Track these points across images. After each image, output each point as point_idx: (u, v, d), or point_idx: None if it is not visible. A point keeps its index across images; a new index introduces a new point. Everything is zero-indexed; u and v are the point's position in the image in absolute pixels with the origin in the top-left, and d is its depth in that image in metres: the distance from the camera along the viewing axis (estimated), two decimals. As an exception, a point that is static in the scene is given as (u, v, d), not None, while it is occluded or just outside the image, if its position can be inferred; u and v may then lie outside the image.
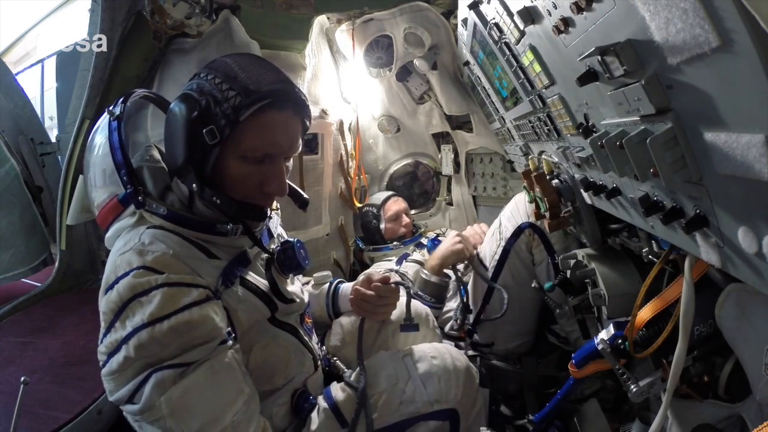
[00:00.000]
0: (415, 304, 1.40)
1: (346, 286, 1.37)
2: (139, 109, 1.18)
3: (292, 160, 1.00)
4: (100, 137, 0.97)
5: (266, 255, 1.05)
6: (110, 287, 0.78)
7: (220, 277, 0.89)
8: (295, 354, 1.04)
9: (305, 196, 1.14)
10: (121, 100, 1.00)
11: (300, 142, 0.97)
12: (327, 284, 1.40)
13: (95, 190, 0.96)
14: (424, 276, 1.77)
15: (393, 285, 1.25)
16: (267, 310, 0.99)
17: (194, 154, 0.87)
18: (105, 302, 0.78)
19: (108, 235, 0.94)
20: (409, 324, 1.25)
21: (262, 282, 1.00)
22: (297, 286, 1.14)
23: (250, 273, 0.99)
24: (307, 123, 0.98)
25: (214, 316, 0.80)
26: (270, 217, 1.13)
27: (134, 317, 0.75)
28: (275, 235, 1.16)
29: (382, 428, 1.02)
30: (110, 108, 0.98)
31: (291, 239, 1.10)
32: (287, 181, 1.01)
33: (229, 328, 0.86)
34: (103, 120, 1.00)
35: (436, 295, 1.77)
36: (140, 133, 1.58)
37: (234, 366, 0.81)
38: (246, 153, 0.89)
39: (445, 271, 1.79)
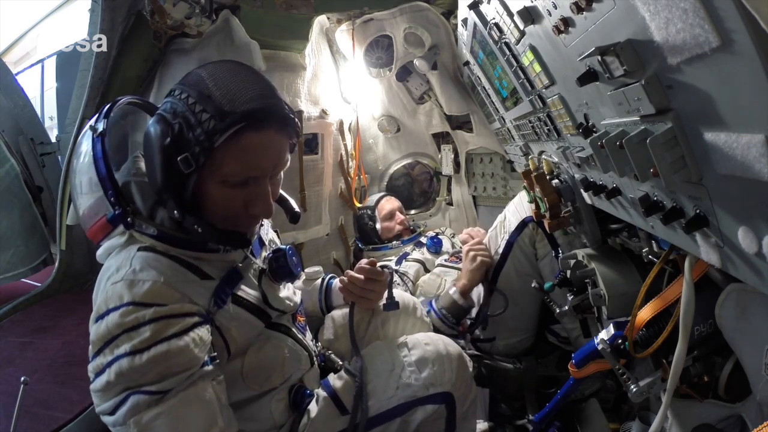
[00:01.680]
0: (402, 293, 1.42)
1: (338, 281, 1.39)
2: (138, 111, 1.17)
3: (287, 165, 0.98)
4: (86, 144, 0.95)
5: (258, 266, 1.05)
6: (101, 317, 0.79)
7: (212, 298, 0.89)
8: (290, 353, 1.06)
9: (297, 209, 1.13)
10: (104, 113, 0.96)
11: (288, 157, 0.93)
12: (319, 280, 1.43)
13: (81, 197, 0.94)
14: (453, 296, 1.68)
15: (378, 268, 1.28)
16: (260, 322, 1.00)
17: (172, 181, 0.83)
18: (95, 332, 0.79)
19: (99, 252, 0.94)
20: (391, 302, 1.28)
21: (254, 295, 1.00)
22: (289, 289, 1.15)
23: (243, 287, 0.98)
24: (295, 139, 0.93)
25: (194, 348, 0.81)
26: (261, 224, 1.13)
27: (119, 348, 0.77)
28: (267, 242, 1.15)
29: (381, 413, 1.04)
30: (92, 123, 0.95)
31: (283, 246, 1.10)
32: (280, 191, 1.00)
33: (215, 353, 0.87)
34: (88, 128, 0.98)
35: (458, 316, 1.69)
36: (140, 134, 1.58)
37: (211, 399, 0.81)
38: (226, 178, 0.85)
39: None
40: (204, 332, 0.85)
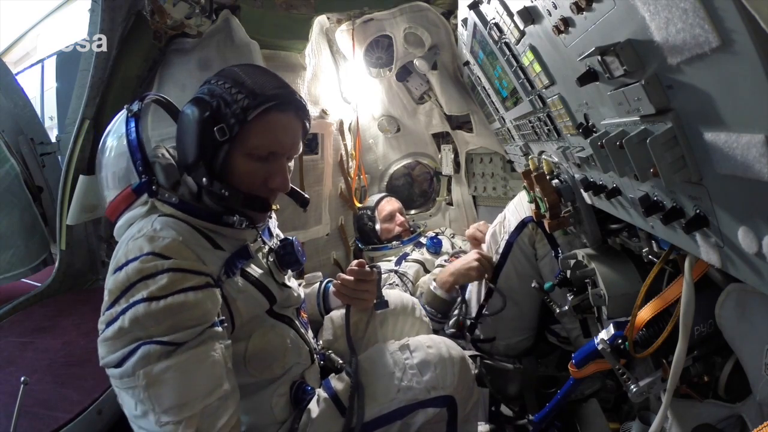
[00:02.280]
0: (401, 293, 1.44)
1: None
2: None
3: (300, 150, 1.06)
4: (111, 140, 1.03)
5: (267, 248, 1.12)
6: (119, 268, 0.82)
7: (223, 266, 0.95)
8: (292, 344, 1.08)
9: (306, 195, 1.19)
10: (138, 99, 1.06)
11: (301, 143, 1.05)
12: (317, 283, 1.47)
13: (107, 191, 1.02)
14: (432, 289, 1.74)
15: (368, 268, 1.31)
16: (266, 301, 1.04)
17: (205, 150, 0.95)
18: (113, 281, 0.82)
19: (119, 224, 0.98)
20: (380, 301, 1.31)
21: (262, 274, 1.05)
22: (293, 283, 1.19)
23: (252, 266, 1.04)
24: (308, 125, 1.06)
25: (208, 303, 0.85)
26: (270, 216, 1.20)
27: (136, 295, 0.79)
28: (274, 235, 1.23)
29: (382, 416, 1.05)
30: (129, 106, 1.05)
31: (289, 237, 1.18)
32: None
33: (223, 317, 0.90)
34: (116, 123, 1.05)
35: (442, 310, 1.74)
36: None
37: (219, 361, 0.83)
38: (252, 150, 0.97)
39: None
40: (217, 292, 0.89)
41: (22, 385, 1.00)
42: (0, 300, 1.82)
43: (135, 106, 1.04)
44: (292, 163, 1.07)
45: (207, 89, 0.99)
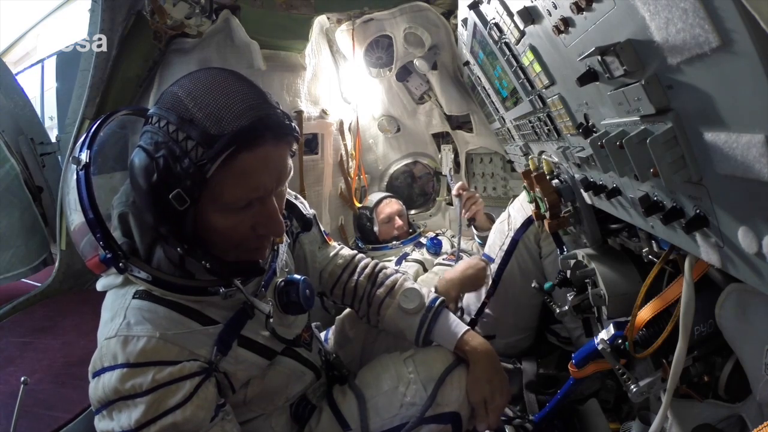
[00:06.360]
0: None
1: (450, 323, 1.14)
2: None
3: (290, 174, 0.89)
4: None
5: (270, 303, 0.98)
6: (97, 374, 0.78)
7: (215, 345, 0.84)
8: (294, 375, 1.04)
9: (308, 215, 1.09)
10: (87, 142, 0.84)
11: (290, 165, 0.84)
12: (418, 315, 1.15)
13: (72, 213, 0.86)
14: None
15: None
16: (265, 361, 0.95)
17: (168, 219, 0.75)
18: (92, 389, 0.78)
19: (98, 287, 0.89)
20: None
21: (261, 334, 0.94)
22: (298, 320, 1.09)
23: (253, 329, 0.92)
24: (294, 144, 0.84)
25: (200, 412, 0.79)
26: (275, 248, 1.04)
27: (121, 415, 0.75)
28: (280, 267, 1.04)
29: (384, 431, 1.02)
30: (75, 154, 0.83)
31: (297, 278, 1.01)
32: (287, 198, 0.97)
33: (222, 400, 0.86)
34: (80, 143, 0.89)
35: None
36: (138, 136, 1.56)
37: None
38: (227, 205, 0.77)
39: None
40: (209, 391, 0.82)
41: (22, 385, 1.00)
42: (0, 300, 1.82)
43: (83, 155, 0.82)
44: (286, 185, 0.87)
45: (149, 136, 0.75)
